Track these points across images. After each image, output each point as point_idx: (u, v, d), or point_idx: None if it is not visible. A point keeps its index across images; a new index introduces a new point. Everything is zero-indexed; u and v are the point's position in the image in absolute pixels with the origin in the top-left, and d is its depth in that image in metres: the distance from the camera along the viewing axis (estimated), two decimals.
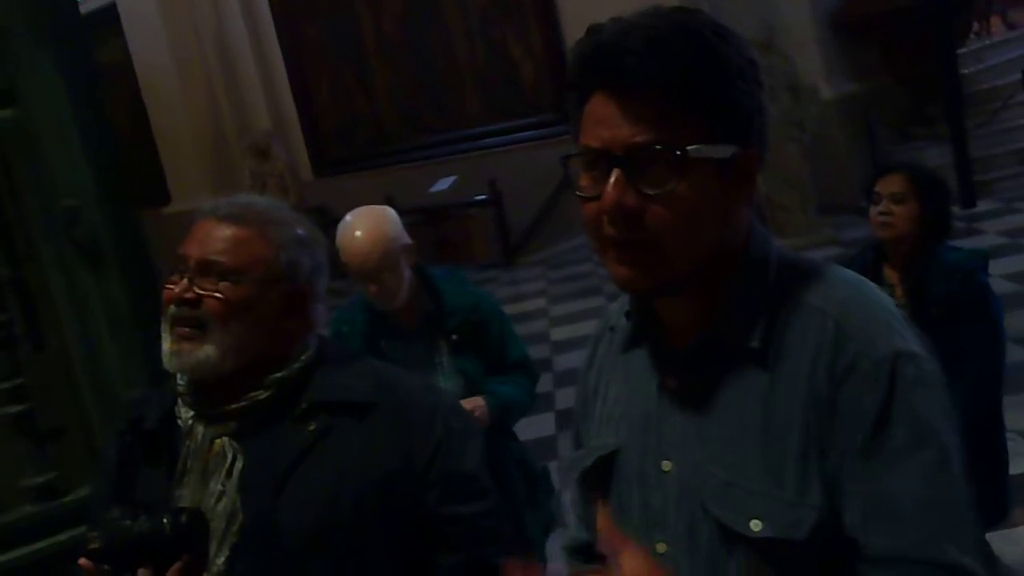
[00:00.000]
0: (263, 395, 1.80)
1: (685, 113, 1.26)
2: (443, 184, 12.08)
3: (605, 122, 1.28)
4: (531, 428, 6.63)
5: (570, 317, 9.11)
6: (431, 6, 12.57)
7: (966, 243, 7.03)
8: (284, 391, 1.81)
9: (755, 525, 1.26)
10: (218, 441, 1.80)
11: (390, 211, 3.25)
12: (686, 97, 1.25)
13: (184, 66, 12.95)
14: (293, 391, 1.81)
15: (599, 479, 1.47)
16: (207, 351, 1.76)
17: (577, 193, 1.32)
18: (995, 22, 13.07)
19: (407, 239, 3.21)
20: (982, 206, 9.85)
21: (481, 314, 3.34)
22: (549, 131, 11.43)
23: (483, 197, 11.82)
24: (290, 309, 1.83)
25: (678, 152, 1.25)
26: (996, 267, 7.23)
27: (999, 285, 6.96)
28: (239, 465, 1.77)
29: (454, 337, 3.28)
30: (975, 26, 12.07)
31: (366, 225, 3.15)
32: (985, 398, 3.18)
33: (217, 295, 1.77)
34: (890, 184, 3.32)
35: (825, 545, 1.25)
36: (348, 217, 3.20)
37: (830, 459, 1.26)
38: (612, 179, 1.26)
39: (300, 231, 1.88)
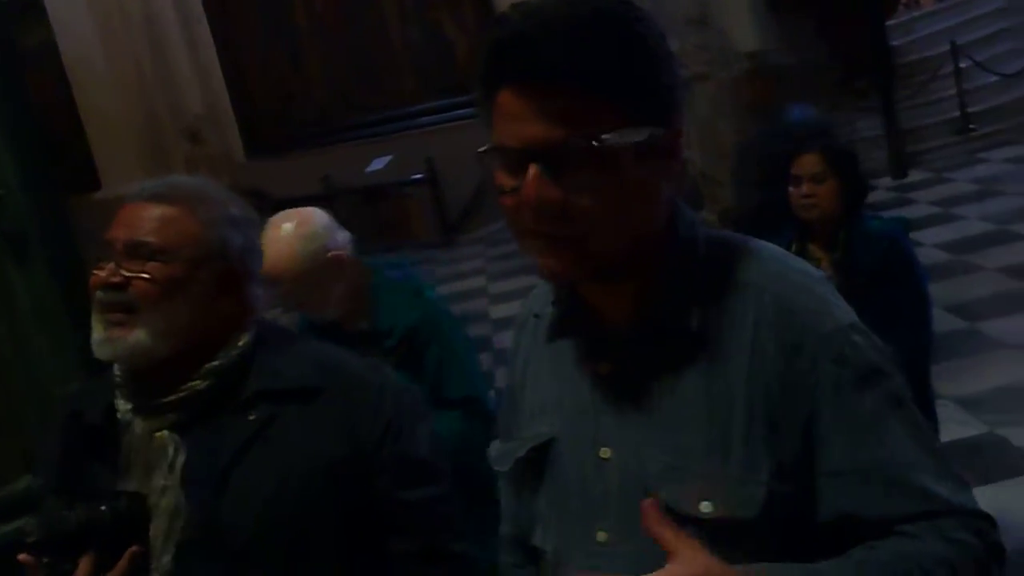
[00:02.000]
0: (201, 385, 1.74)
1: (601, 101, 1.23)
2: (379, 163, 12.00)
3: (517, 118, 1.24)
4: None
5: (510, 295, 9.11)
6: None
7: (897, 213, 7.14)
8: (223, 380, 1.75)
9: (705, 507, 1.25)
10: (159, 435, 1.74)
11: (319, 218, 2.90)
12: (603, 86, 1.22)
13: (111, 48, 12.68)
14: (233, 379, 1.75)
15: (532, 470, 1.44)
16: (138, 336, 1.70)
17: (498, 187, 1.30)
18: None
19: (339, 249, 2.87)
20: (913, 176, 9.98)
21: (420, 338, 2.87)
22: None
23: (420, 176, 11.77)
24: (224, 290, 1.77)
25: (595, 143, 1.22)
26: (928, 237, 7.42)
27: (931, 254, 7.09)
28: (180, 459, 1.71)
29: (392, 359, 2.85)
30: None
31: (286, 238, 2.82)
32: (915, 366, 3.23)
33: (145, 276, 1.71)
34: (808, 164, 3.33)
35: (777, 522, 1.25)
36: (272, 222, 2.85)
37: (783, 434, 1.25)
38: (530, 175, 1.23)
39: (232, 209, 1.82)
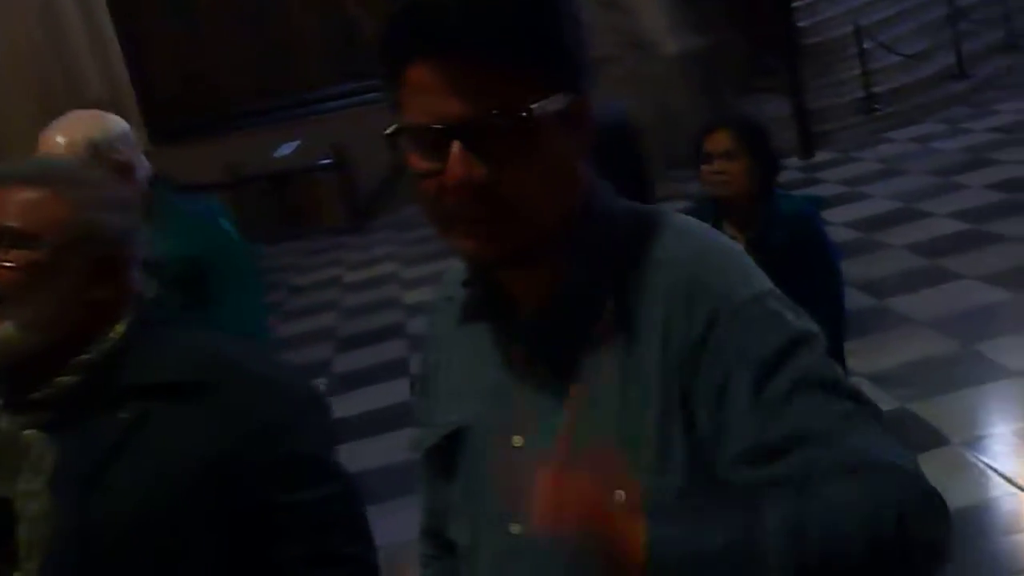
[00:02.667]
0: (71, 380, 1.62)
1: (517, 69, 1.15)
2: (286, 149, 11.82)
3: (432, 92, 1.16)
4: (387, 394, 6.58)
5: (423, 280, 9.01)
6: None
7: (806, 192, 7.20)
8: (94, 374, 1.62)
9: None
10: (27, 434, 1.62)
11: (112, 120, 2.70)
12: (518, 53, 1.15)
13: (7, 37, 12.32)
14: (106, 374, 1.63)
15: (445, 458, 1.37)
16: (5, 328, 1.58)
17: (413, 171, 1.20)
18: None
19: (126, 156, 2.63)
20: (821, 156, 10.10)
21: (203, 269, 2.65)
22: None
23: (328, 161, 11.61)
24: (98, 277, 1.65)
25: (523, 113, 1.14)
26: (837, 215, 7.49)
27: (840, 233, 7.16)
28: (49, 461, 1.59)
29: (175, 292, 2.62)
30: None
31: (67, 128, 2.61)
32: (830, 344, 3.21)
33: (8, 264, 1.59)
34: (718, 142, 3.32)
35: None
36: (68, 114, 2.66)
37: (698, 413, 1.18)
38: (454, 152, 1.15)
39: (106, 191, 1.71)
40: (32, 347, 1.60)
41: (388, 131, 1.20)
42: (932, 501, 1.12)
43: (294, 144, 11.69)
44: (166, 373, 1.63)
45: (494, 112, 1.14)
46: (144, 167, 2.72)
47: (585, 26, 1.23)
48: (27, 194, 1.64)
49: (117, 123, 2.71)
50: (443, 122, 1.15)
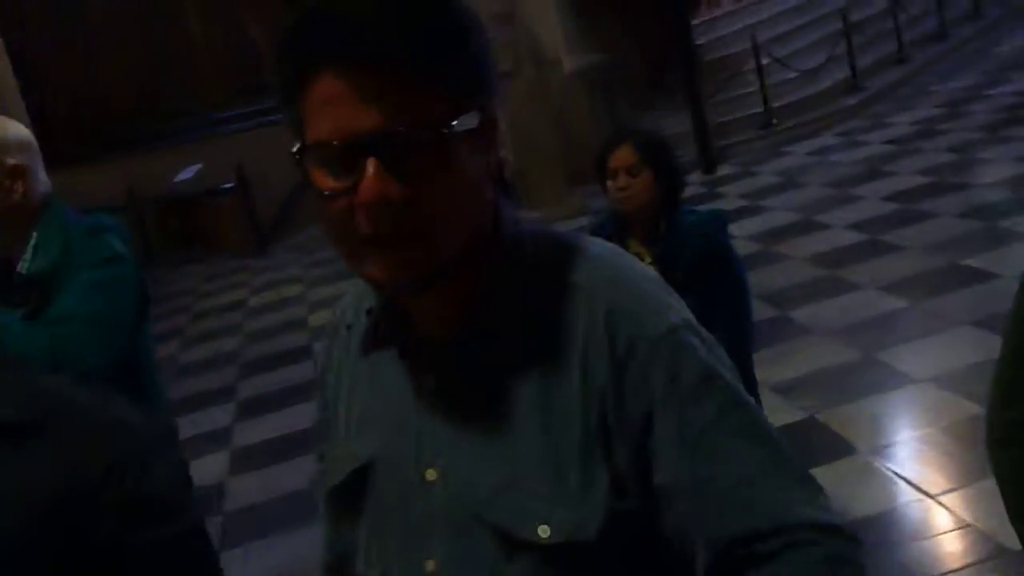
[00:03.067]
0: None
1: (429, 83, 1.09)
2: (187, 173, 11.64)
3: (342, 106, 1.08)
4: (294, 418, 6.47)
5: (328, 301, 8.91)
6: None
7: (708, 207, 7.28)
8: None
9: (543, 531, 1.13)
10: None
11: (12, 125, 2.58)
12: (431, 63, 1.09)
13: None
14: None
15: (350, 495, 1.30)
16: None
17: (321, 192, 1.12)
18: None
19: (19, 162, 2.51)
20: (722, 171, 10.25)
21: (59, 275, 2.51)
22: None
23: (230, 185, 11.44)
24: None
25: (444, 130, 1.09)
26: (740, 228, 7.58)
27: (744, 245, 7.25)
28: None
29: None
30: None
31: None
32: (738, 357, 3.22)
33: None
34: (621, 157, 3.32)
35: (622, 544, 1.14)
36: None
37: (620, 446, 1.14)
38: (369, 171, 1.07)
39: None
40: None
41: (295, 148, 1.13)
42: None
43: (195, 168, 11.51)
44: (3, 412, 1.53)
45: (413, 127, 1.08)
46: (43, 182, 2.60)
47: (490, 44, 1.19)
48: None
49: (17, 129, 2.60)
50: (357, 137, 1.08)
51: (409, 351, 1.25)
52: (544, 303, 1.19)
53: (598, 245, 1.26)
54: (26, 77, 12.67)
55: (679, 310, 1.20)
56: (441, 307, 1.21)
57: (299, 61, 1.11)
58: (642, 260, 3.30)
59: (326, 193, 1.12)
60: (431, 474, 1.21)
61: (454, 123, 1.10)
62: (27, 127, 2.68)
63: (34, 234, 2.54)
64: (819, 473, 4.19)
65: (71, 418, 1.55)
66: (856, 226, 7.59)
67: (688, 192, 3.44)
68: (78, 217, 2.62)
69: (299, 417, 6.46)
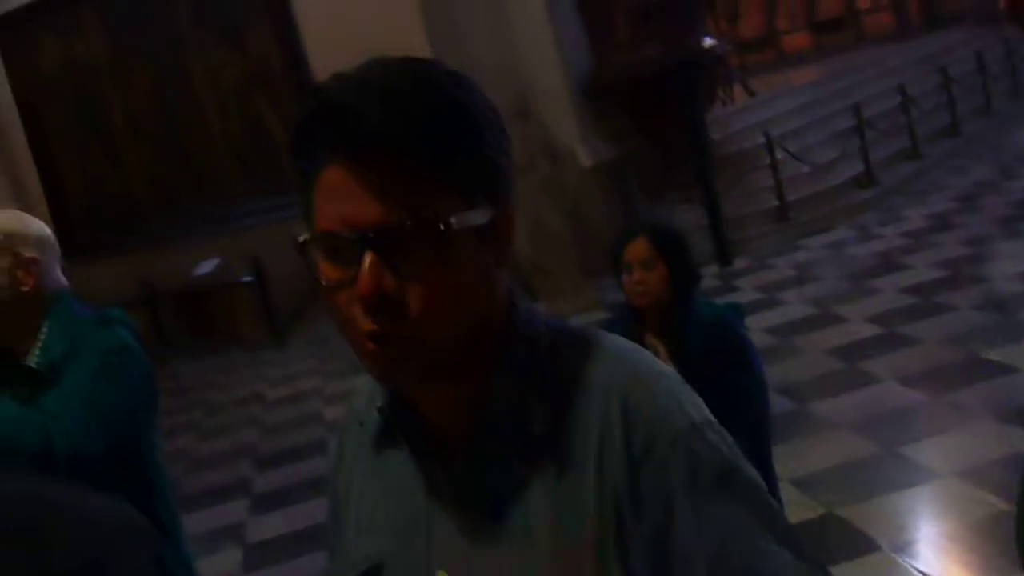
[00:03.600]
0: None
1: (437, 177, 1.10)
2: (206, 267, 11.70)
3: (346, 198, 1.09)
4: (309, 513, 6.41)
5: (344, 395, 8.87)
6: (180, 81, 12.21)
7: (724, 300, 7.28)
8: None
9: None
10: None
11: (34, 222, 2.65)
12: (436, 159, 1.09)
13: None
14: None
15: None
16: None
17: (323, 283, 1.13)
18: (737, 90, 13.77)
19: (34, 255, 2.56)
20: (737, 264, 10.25)
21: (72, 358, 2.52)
22: None
23: (249, 279, 11.49)
24: None
25: (442, 226, 1.09)
26: (755, 321, 7.55)
27: (760, 338, 7.21)
28: None
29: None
30: (719, 92, 12.66)
31: None
32: (756, 450, 3.19)
33: None
34: (637, 251, 3.31)
35: None
36: None
37: (636, 554, 1.12)
38: (367, 263, 1.08)
39: None
40: None
41: (299, 239, 1.14)
42: None
43: (214, 262, 11.57)
44: None
45: (410, 221, 1.08)
46: (57, 279, 2.64)
47: (506, 138, 1.18)
48: None
49: (36, 224, 2.65)
50: (357, 229, 1.09)
51: (420, 449, 1.23)
52: (558, 400, 1.18)
53: (615, 341, 1.25)
54: (47, 172, 12.86)
55: (698, 408, 1.18)
56: (448, 403, 1.20)
57: (309, 152, 1.13)
58: (657, 353, 3.29)
59: (328, 284, 1.12)
60: None
61: (454, 219, 1.10)
62: (47, 221, 2.72)
63: (44, 328, 2.56)
64: (841, 570, 4.13)
65: (46, 512, 1.53)
66: (873, 319, 7.56)
67: (703, 285, 3.44)
68: (88, 310, 2.63)
69: (314, 512, 6.40)
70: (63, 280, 2.66)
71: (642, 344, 3.34)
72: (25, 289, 2.54)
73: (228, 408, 9.73)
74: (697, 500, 1.11)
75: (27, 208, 2.80)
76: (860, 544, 4.47)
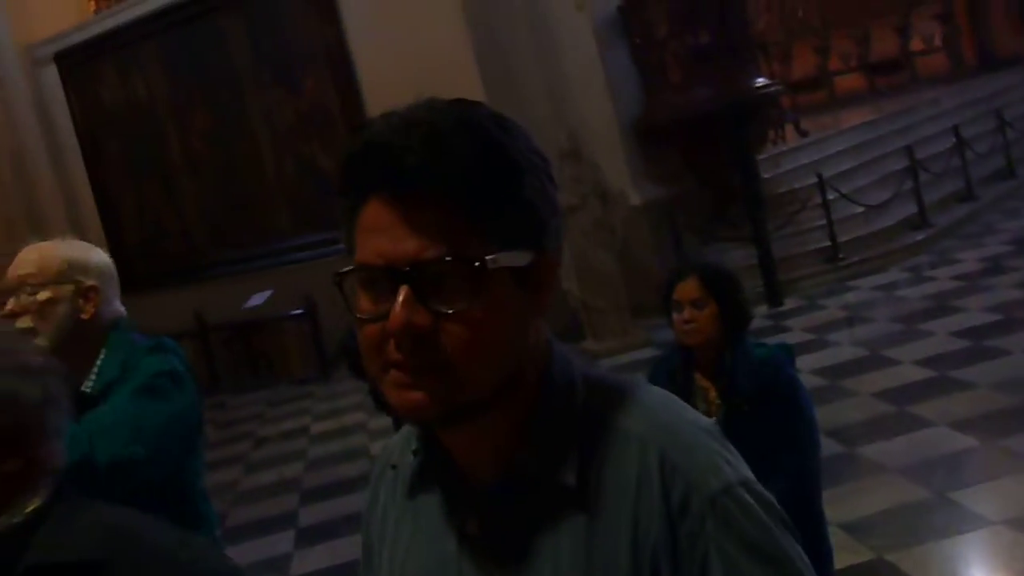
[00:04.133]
0: None
1: (475, 218, 1.11)
2: (258, 299, 11.80)
3: (385, 233, 1.11)
4: (352, 548, 6.42)
5: (389, 430, 8.91)
6: (238, 122, 12.40)
7: (773, 341, 7.22)
8: (0, 551, 1.53)
9: None
10: None
11: (96, 252, 2.74)
12: (474, 199, 1.10)
13: None
14: (11, 551, 1.54)
15: None
16: None
17: (357, 315, 1.15)
18: (789, 130, 13.72)
19: (94, 284, 2.63)
20: (787, 304, 10.18)
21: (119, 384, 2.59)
22: None
23: (299, 311, 11.59)
24: (8, 449, 1.57)
25: (476, 264, 1.10)
26: (805, 362, 7.50)
27: (808, 380, 7.15)
28: None
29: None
30: (771, 134, 12.63)
31: (53, 244, 2.67)
32: (805, 492, 3.17)
33: None
34: (687, 290, 3.30)
35: None
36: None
37: None
38: (400, 298, 1.09)
39: (27, 359, 1.64)
40: None
41: (338, 272, 1.16)
42: None
43: (266, 293, 11.68)
44: (72, 552, 1.55)
45: (446, 258, 1.09)
46: (116, 309, 2.70)
47: (551, 186, 1.19)
48: None
49: (100, 255, 2.72)
50: (393, 263, 1.10)
51: (453, 495, 1.23)
52: (594, 452, 1.17)
53: (654, 394, 1.24)
54: (104, 204, 13.07)
55: (736, 466, 1.17)
56: (479, 449, 1.20)
57: (353, 187, 1.16)
58: (707, 393, 3.29)
59: (362, 317, 1.14)
60: None
61: (490, 259, 1.10)
62: (105, 253, 2.79)
63: (101, 356, 2.62)
64: None
65: (143, 558, 1.56)
66: (924, 362, 7.47)
67: (753, 325, 3.42)
68: (143, 339, 2.70)
69: (358, 546, 6.41)
70: (122, 309, 2.73)
71: (691, 384, 3.36)
72: (85, 317, 2.61)
73: (275, 441, 9.78)
74: (733, 568, 1.11)
75: (84, 239, 2.89)
76: None
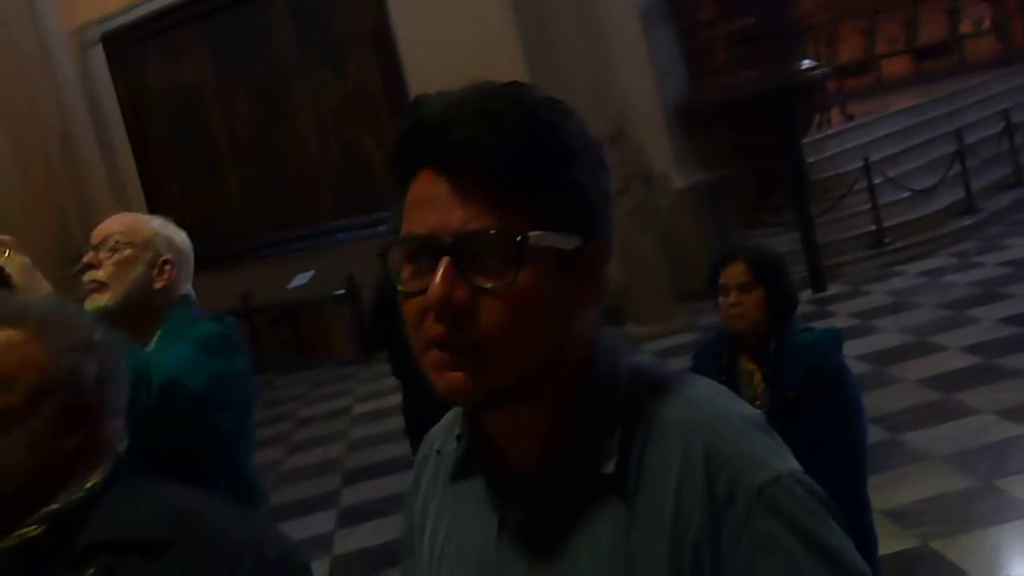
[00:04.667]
0: (34, 531, 1.54)
1: (521, 196, 1.10)
2: (301, 279, 11.88)
3: (432, 205, 1.11)
4: (394, 528, 6.46)
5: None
6: (283, 105, 12.46)
7: (819, 325, 7.17)
8: (60, 526, 1.55)
9: None
10: None
11: (180, 232, 2.85)
12: (523, 177, 1.10)
13: (26, 167, 12.51)
14: (72, 526, 1.55)
15: None
16: None
17: (399, 288, 1.14)
18: (835, 114, 13.60)
19: (171, 260, 2.73)
20: (832, 290, 10.11)
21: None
22: None
23: (341, 292, 11.65)
24: (71, 424, 1.59)
25: (518, 238, 1.09)
26: (849, 348, 7.37)
27: (854, 366, 7.05)
28: None
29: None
30: (816, 117, 12.52)
31: (142, 216, 2.81)
32: (851, 479, 3.15)
33: None
34: (734, 274, 3.29)
35: None
36: None
37: None
38: (440, 270, 1.09)
39: (90, 334, 1.66)
40: None
41: (384, 244, 1.16)
42: None
43: (308, 274, 11.75)
44: (135, 530, 1.56)
45: (490, 231, 1.09)
46: (186, 288, 2.79)
47: (605, 172, 1.18)
48: (5, 334, 1.60)
49: (183, 238, 2.84)
50: (437, 234, 1.10)
51: (494, 482, 1.23)
52: (636, 442, 1.15)
53: (701, 386, 1.22)
54: (150, 186, 13.18)
55: (784, 456, 1.15)
56: (520, 435, 1.19)
57: (403, 162, 1.16)
58: (753, 377, 3.27)
59: (405, 290, 1.13)
60: None
61: (533, 236, 1.10)
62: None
63: (160, 330, 2.68)
64: None
65: (203, 536, 1.56)
66: (971, 349, 7.39)
67: (797, 311, 3.39)
68: (200, 315, 2.76)
69: (397, 527, 6.45)
70: (191, 292, 2.81)
71: (737, 368, 3.35)
72: (156, 287, 2.70)
73: (317, 422, 9.85)
74: (778, 559, 1.08)
75: None
76: None
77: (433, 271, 1.10)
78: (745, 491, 1.09)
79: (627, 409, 1.17)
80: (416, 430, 7.31)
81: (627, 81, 10.37)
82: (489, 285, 1.09)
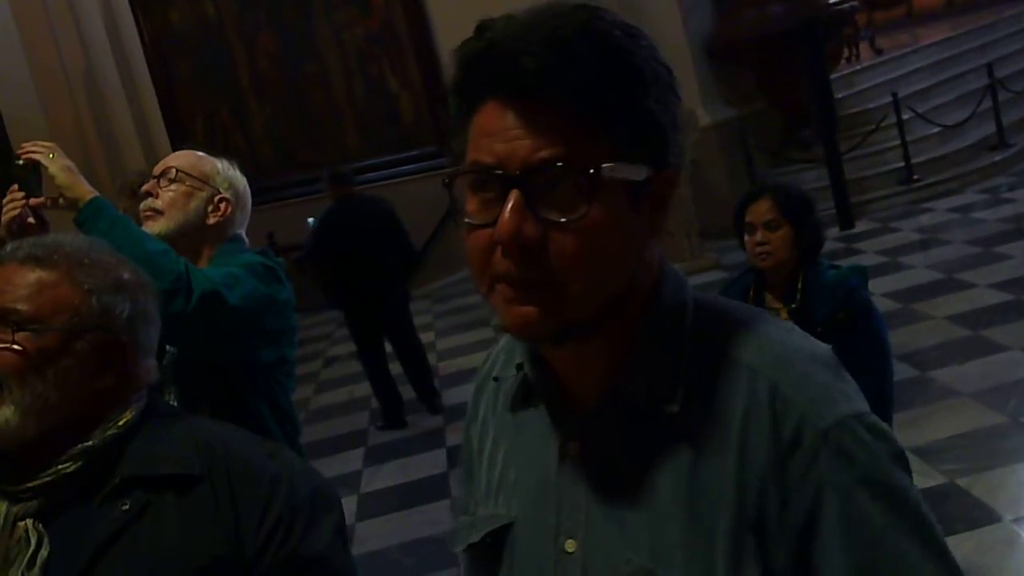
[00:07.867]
0: (70, 467, 1.55)
1: (594, 126, 1.06)
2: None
3: (500, 134, 1.07)
4: (421, 466, 6.53)
5: (458, 350, 8.99)
6: (307, 43, 12.41)
7: (845, 263, 7.13)
8: (96, 462, 1.56)
9: None
10: (21, 524, 1.55)
11: (241, 177, 2.86)
12: (595, 107, 1.05)
13: (51, 106, 12.52)
14: (107, 462, 1.57)
15: (489, 555, 1.25)
16: (5, 414, 1.52)
17: (465, 220, 1.09)
18: (864, 48, 13.42)
19: (228, 198, 2.75)
20: (860, 227, 10.03)
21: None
22: (429, 164, 11.37)
23: None
24: (105, 363, 1.59)
25: (591, 171, 1.05)
26: (876, 286, 7.40)
27: (880, 303, 7.05)
28: (43, 553, 1.52)
29: None
30: (845, 52, 12.36)
31: (210, 156, 2.84)
32: (878, 416, 3.13)
33: (14, 347, 1.54)
34: (760, 212, 3.25)
35: None
36: None
37: (775, 541, 1.07)
38: (510, 203, 1.04)
39: (121, 273, 1.65)
40: (32, 432, 1.54)
41: (449, 173, 1.12)
42: None
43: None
44: (169, 464, 1.58)
45: (560, 163, 1.05)
46: (238, 230, 2.81)
47: (675, 99, 1.14)
48: (37, 274, 1.59)
49: (244, 183, 2.85)
50: (504, 165, 1.06)
51: (555, 414, 1.21)
52: (701, 379, 1.13)
53: (769, 322, 1.18)
54: (173, 125, 13.17)
55: (852, 399, 1.11)
56: (584, 368, 1.17)
57: (470, 88, 1.11)
58: (779, 316, 3.25)
59: (471, 221, 1.10)
60: (570, 545, 1.16)
61: (606, 167, 1.06)
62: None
63: (207, 265, 2.69)
64: (961, 541, 4.06)
65: (237, 471, 1.58)
66: (1000, 285, 7.34)
67: (825, 247, 3.37)
68: (250, 251, 2.80)
69: (425, 465, 6.52)
70: (242, 234, 2.84)
71: (763, 306, 3.31)
72: (209, 222, 2.73)
73: (344, 360, 9.90)
74: (846, 502, 1.06)
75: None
76: (981, 515, 4.37)
77: (500, 204, 1.06)
78: (811, 435, 1.07)
79: (694, 343, 1.15)
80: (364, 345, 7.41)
81: (653, 16, 10.23)
82: (561, 219, 1.06)
